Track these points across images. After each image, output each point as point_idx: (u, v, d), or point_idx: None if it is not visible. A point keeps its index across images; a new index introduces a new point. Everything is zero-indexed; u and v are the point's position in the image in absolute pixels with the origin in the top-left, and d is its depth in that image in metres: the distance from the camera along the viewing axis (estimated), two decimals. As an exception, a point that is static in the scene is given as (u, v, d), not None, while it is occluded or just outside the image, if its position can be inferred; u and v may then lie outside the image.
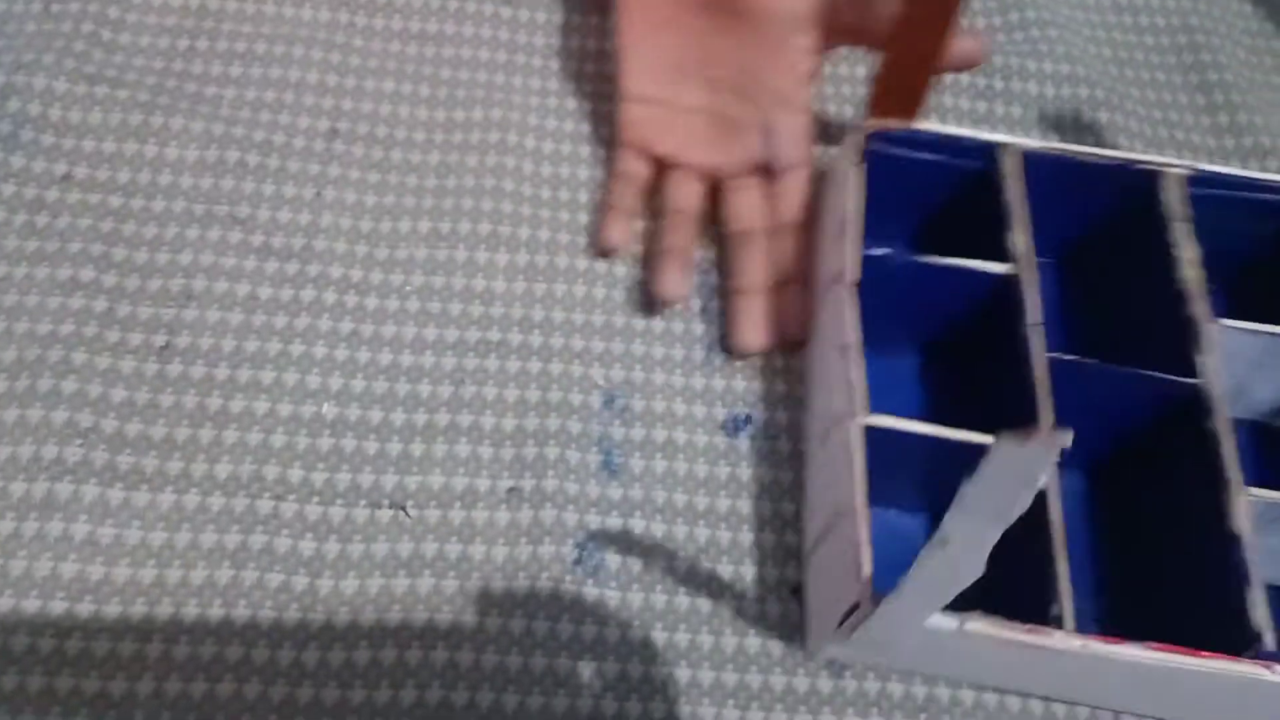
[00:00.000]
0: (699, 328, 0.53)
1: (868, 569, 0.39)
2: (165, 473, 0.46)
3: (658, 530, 0.48)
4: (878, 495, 0.41)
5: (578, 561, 0.46)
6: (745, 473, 0.49)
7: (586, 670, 0.44)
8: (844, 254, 0.47)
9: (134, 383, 0.48)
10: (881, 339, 0.47)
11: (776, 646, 0.45)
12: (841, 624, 0.40)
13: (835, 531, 0.43)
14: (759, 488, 0.49)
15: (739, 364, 0.52)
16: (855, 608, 0.39)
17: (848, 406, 0.43)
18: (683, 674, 0.44)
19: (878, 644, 0.42)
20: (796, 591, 0.46)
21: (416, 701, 0.43)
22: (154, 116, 0.57)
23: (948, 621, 0.39)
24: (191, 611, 0.44)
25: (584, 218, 0.56)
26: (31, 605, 0.43)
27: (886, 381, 0.49)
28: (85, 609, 0.43)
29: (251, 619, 0.44)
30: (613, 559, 0.47)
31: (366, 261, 0.53)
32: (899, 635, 0.41)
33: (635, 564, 0.47)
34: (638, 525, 0.48)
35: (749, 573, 0.47)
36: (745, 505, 0.49)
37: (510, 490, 0.48)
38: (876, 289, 0.46)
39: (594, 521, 0.47)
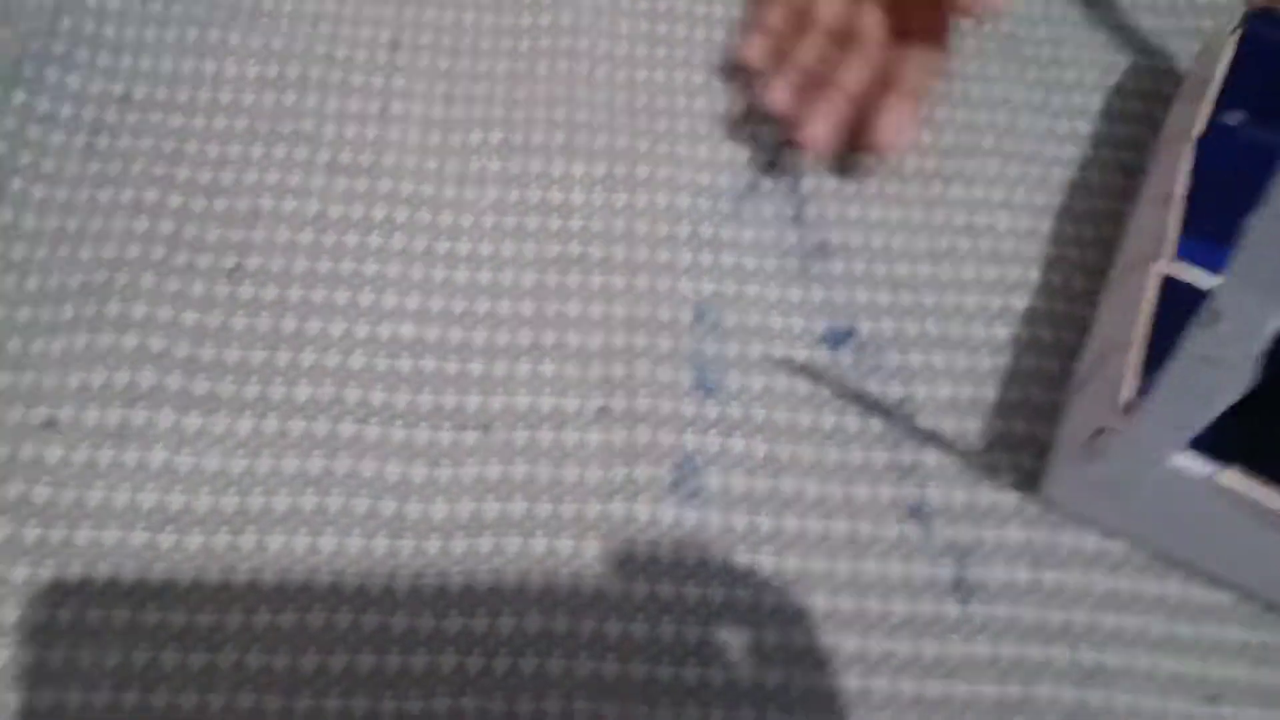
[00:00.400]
0: (791, 237, 0.50)
1: (1128, 395, 0.37)
2: (242, 397, 0.44)
3: (759, 450, 0.45)
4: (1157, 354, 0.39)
5: (675, 484, 0.44)
6: (850, 388, 0.46)
7: (691, 595, 0.41)
8: (1195, 113, 0.46)
9: (205, 306, 0.46)
10: (1207, 216, 0.45)
11: (896, 568, 0.43)
12: (1086, 447, 0.39)
13: (1101, 369, 0.41)
14: (865, 404, 0.46)
15: (839, 274, 0.49)
16: (1102, 431, 0.37)
17: (1154, 250, 0.42)
18: (796, 600, 0.42)
19: (1109, 493, 0.40)
20: (916, 514, 0.43)
21: (515, 629, 0.40)
22: (210, 32, 0.54)
23: (1199, 466, 0.36)
24: (276, 540, 0.41)
25: (663, 124, 0.53)
26: (111, 536, 0.41)
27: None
28: (167, 539, 0.41)
29: (339, 546, 0.41)
30: (713, 481, 0.44)
31: (438, 176, 0.51)
32: (1139, 476, 0.38)
33: (737, 485, 0.44)
34: (737, 445, 0.45)
35: (861, 493, 0.44)
36: (851, 422, 0.46)
37: (600, 410, 0.45)
38: (1217, 156, 0.45)
39: (691, 442, 0.45)
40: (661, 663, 0.40)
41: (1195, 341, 0.31)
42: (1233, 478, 0.37)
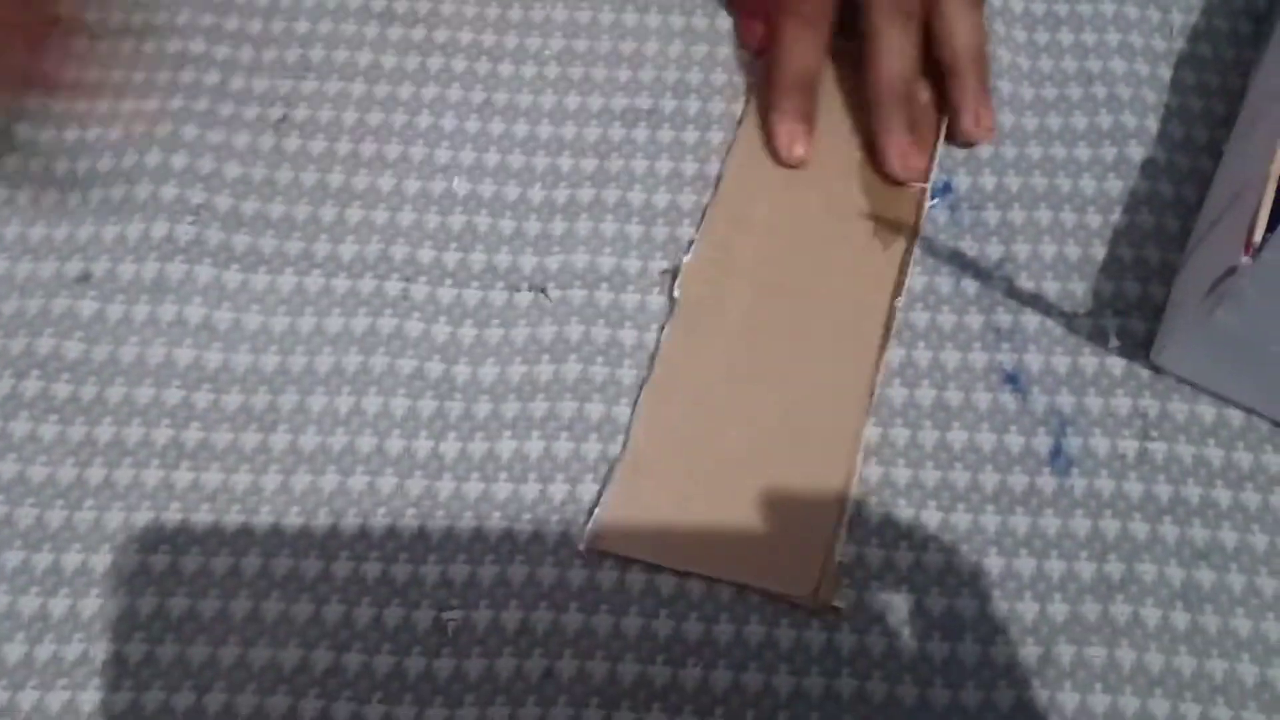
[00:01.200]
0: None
1: (1259, 235, 0.34)
2: (285, 253, 0.42)
3: (837, 309, 0.41)
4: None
5: (745, 346, 0.40)
6: (946, 245, 0.42)
7: (759, 462, 0.38)
8: None
9: (249, 158, 0.44)
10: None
11: (988, 438, 0.39)
12: (1211, 292, 0.35)
13: (1231, 209, 0.37)
14: (960, 263, 0.42)
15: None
16: (1231, 272, 0.34)
17: None
18: (878, 469, 0.38)
19: (1231, 352, 0.36)
20: (1012, 381, 0.39)
21: (568, 496, 0.38)
22: (260, -124, 0.50)
23: None
24: (319, 400, 0.39)
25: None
26: (145, 394, 0.39)
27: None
28: (203, 398, 0.39)
29: (384, 407, 0.39)
30: (786, 342, 0.40)
31: (499, 24, 0.47)
32: (1268, 327, 0.35)
33: (812, 346, 0.40)
34: (814, 304, 0.41)
35: (952, 358, 0.40)
36: (944, 283, 0.42)
37: (664, 273, 0.42)
38: None
39: (763, 301, 0.41)
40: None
41: None
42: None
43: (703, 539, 0.37)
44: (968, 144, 0.44)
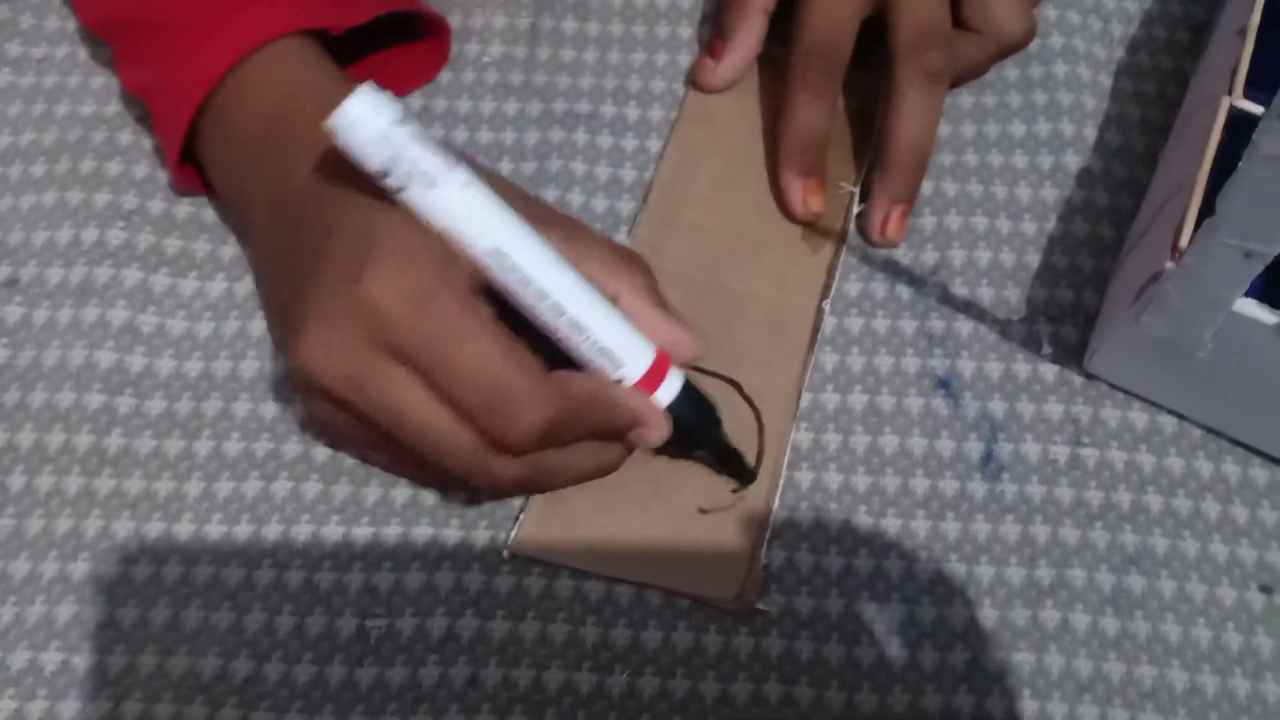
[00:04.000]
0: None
1: (1186, 240, 0.34)
2: (218, 258, 0.41)
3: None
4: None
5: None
6: (881, 252, 0.42)
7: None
8: None
9: (181, 164, 0.43)
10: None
11: (919, 443, 0.38)
12: (1138, 298, 0.35)
13: (1159, 215, 0.37)
14: (894, 269, 0.42)
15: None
16: (1158, 276, 0.34)
17: (1223, 87, 0.38)
18: (808, 472, 0.38)
19: (1161, 357, 0.36)
20: (944, 386, 0.39)
21: (497, 503, 0.37)
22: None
23: (1264, 314, 0.33)
24: (243, 406, 0.39)
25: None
26: (66, 399, 0.39)
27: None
28: (125, 403, 0.38)
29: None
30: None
31: (437, 30, 0.47)
32: (1196, 329, 0.34)
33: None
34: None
35: (885, 363, 0.40)
36: (878, 288, 0.41)
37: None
38: None
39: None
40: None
41: (1268, 138, 0.27)
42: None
43: (629, 545, 0.36)
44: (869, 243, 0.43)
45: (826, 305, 0.41)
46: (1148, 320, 0.35)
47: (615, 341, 0.34)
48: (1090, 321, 0.41)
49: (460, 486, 0.37)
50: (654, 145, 0.45)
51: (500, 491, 0.36)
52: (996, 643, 0.35)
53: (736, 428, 0.38)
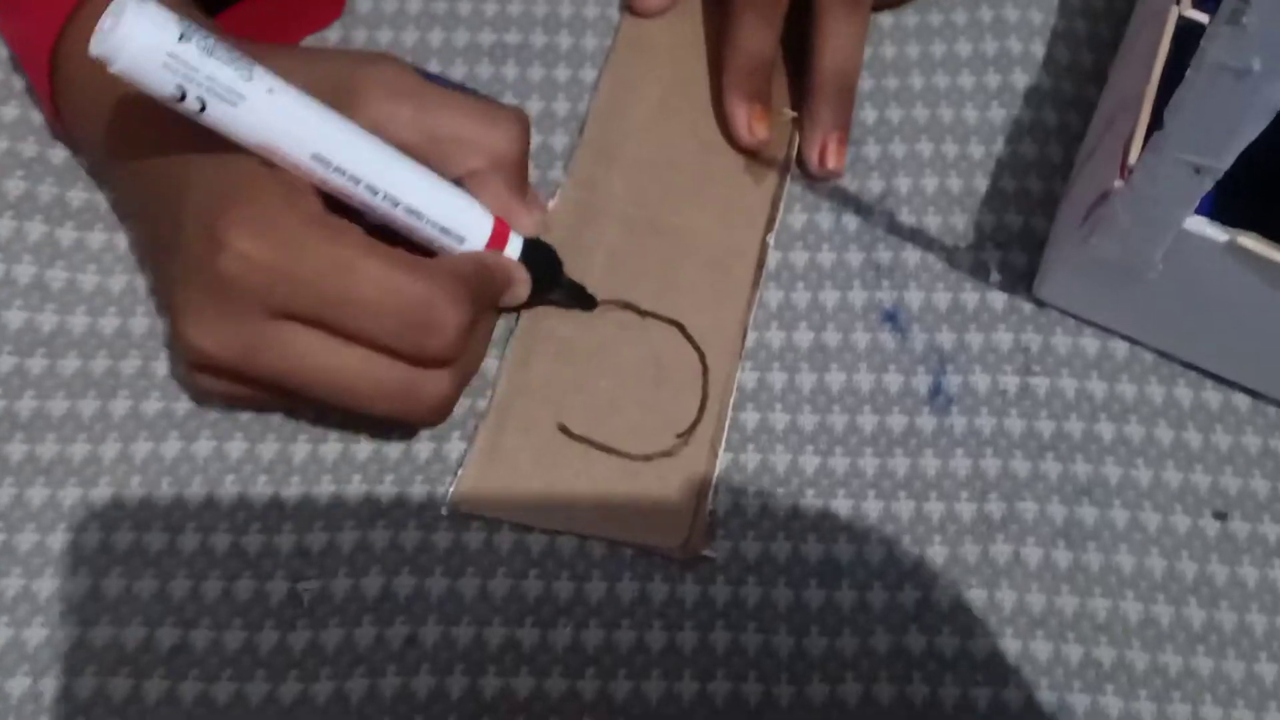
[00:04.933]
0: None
1: (1134, 157, 0.33)
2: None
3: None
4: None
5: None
6: (821, 181, 0.40)
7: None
8: None
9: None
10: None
11: (866, 378, 0.37)
12: (1086, 219, 0.34)
13: (1107, 133, 0.36)
14: (839, 199, 0.40)
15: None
16: (1106, 196, 0.32)
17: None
18: (752, 411, 0.37)
19: (1111, 280, 0.35)
20: (891, 319, 0.38)
21: (433, 455, 0.36)
22: None
23: (1214, 231, 0.31)
24: (162, 365, 0.37)
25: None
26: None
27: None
28: (37, 364, 0.37)
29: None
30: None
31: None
32: (1146, 250, 0.33)
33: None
34: (688, 245, 0.39)
35: (831, 297, 0.39)
36: (824, 219, 0.40)
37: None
38: None
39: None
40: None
41: (1216, 45, 0.26)
42: (1255, 241, 0.31)
43: (571, 496, 0.35)
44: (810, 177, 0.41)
45: (771, 239, 0.39)
46: (1097, 242, 0.34)
47: (454, 219, 0.33)
48: (1040, 247, 0.39)
49: (392, 425, 0.35)
50: (588, 75, 0.43)
51: (441, 411, 0.34)
52: (947, 580, 0.35)
53: (680, 370, 0.37)
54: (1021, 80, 0.43)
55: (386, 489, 0.35)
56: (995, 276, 0.39)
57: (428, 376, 0.32)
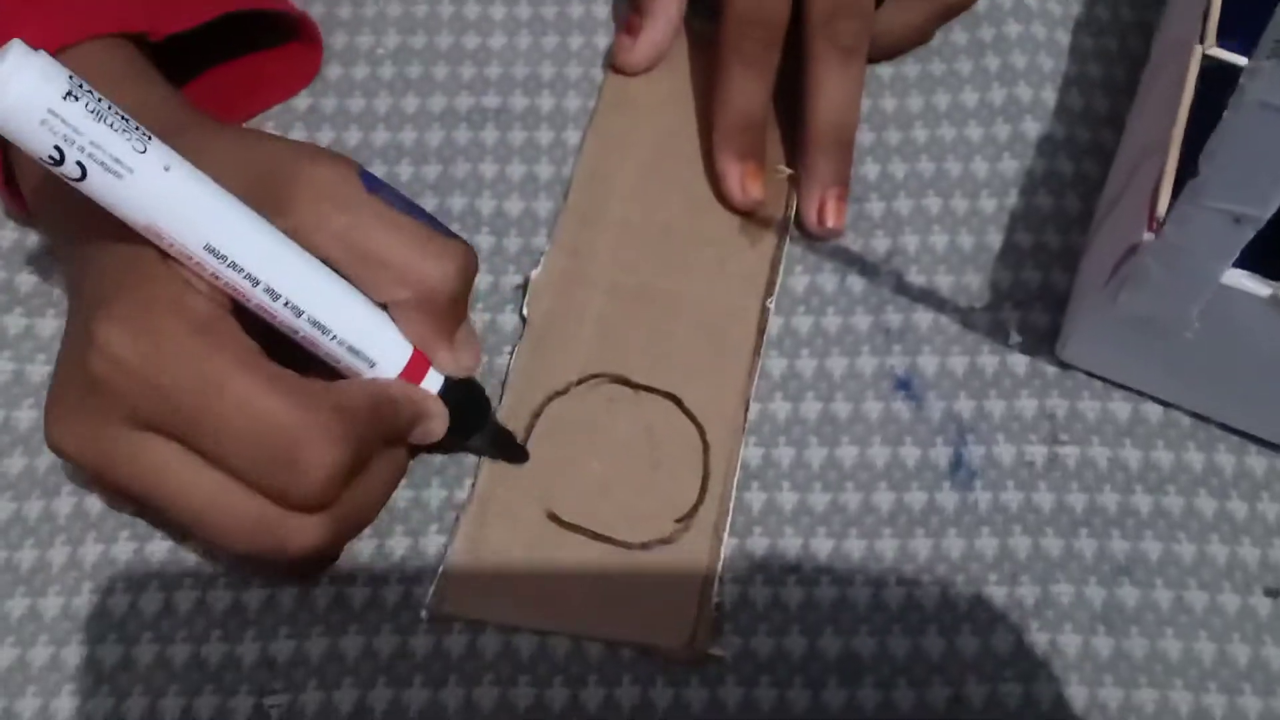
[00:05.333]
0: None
1: (1164, 207, 0.30)
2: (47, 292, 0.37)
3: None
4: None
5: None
6: (828, 242, 0.38)
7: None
8: None
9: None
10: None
11: (880, 452, 0.34)
12: (1113, 275, 0.31)
13: (1132, 181, 0.34)
14: (844, 259, 0.38)
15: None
16: (1135, 249, 0.30)
17: (1194, 34, 0.34)
18: (758, 491, 0.34)
19: (1142, 339, 0.33)
20: (905, 387, 0.35)
21: (410, 551, 0.33)
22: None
23: (1256, 285, 0.30)
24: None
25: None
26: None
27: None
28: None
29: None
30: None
31: (326, 22, 0.43)
32: (1181, 306, 0.31)
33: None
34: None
35: (838, 365, 0.36)
36: (827, 281, 0.37)
37: (517, 288, 0.38)
38: None
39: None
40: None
41: (1257, 81, 0.24)
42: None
43: (563, 592, 0.32)
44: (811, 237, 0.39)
45: (771, 303, 0.37)
46: (1126, 299, 0.31)
47: (364, 339, 0.30)
48: (1061, 305, 0.37)
49: (256, 569, 0.32)
50: (572, 137, 0.40)
51: (309, 563, 0.30)
52: (979, 674, 0.32)
53: (678, 448, 0.34)
54: (1033, 129, 0.40)
55: (357, 590, 0.33)
56: (1015, 338, 0.36)
57: (292, 520, 0.28)
